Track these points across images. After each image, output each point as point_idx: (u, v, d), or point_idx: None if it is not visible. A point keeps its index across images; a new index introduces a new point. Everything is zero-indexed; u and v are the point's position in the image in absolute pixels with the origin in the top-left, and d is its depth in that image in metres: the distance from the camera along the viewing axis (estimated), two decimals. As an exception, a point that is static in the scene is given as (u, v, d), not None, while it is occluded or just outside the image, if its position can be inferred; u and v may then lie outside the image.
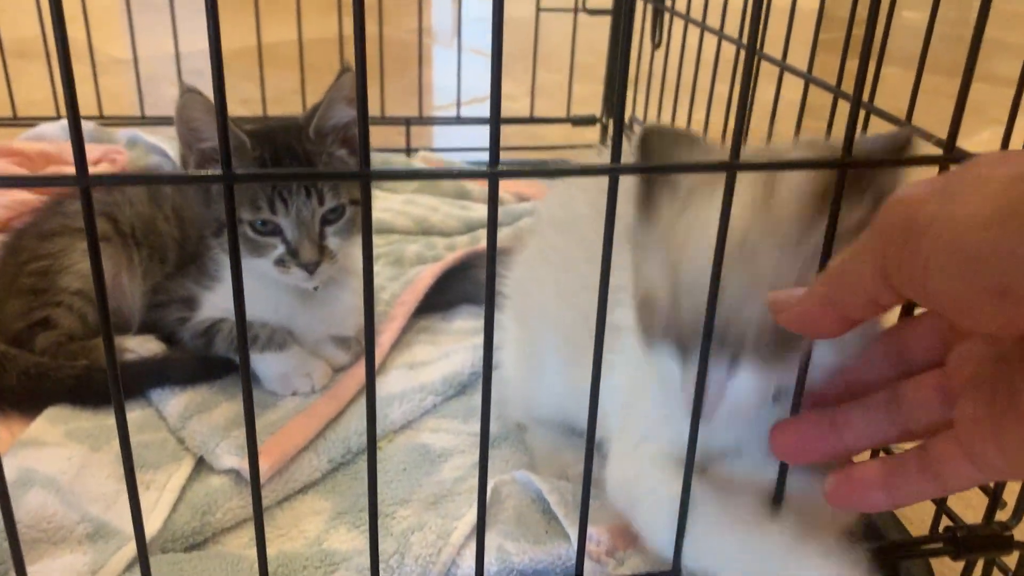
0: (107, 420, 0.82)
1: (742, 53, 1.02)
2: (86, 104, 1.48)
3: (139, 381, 0.86)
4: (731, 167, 0.48)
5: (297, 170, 0.41)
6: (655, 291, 0.51)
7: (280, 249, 0.83)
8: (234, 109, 1.82)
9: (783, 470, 0.54)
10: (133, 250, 0.92)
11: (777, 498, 0.55)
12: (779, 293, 0.42)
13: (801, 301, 0.41)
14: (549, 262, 0.75)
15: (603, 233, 0.47)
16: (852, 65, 0.68)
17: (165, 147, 1.37)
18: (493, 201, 0.47)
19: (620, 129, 0.47)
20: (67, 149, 1.24)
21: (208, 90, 0.45)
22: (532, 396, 0.81)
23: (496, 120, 0.45)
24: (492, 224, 0.47)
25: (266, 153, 0.82)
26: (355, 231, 0.86)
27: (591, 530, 0.65)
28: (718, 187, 0.47)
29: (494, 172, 0.47)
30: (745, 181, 0.47)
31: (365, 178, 0.46)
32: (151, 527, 0.70)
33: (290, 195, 0.81)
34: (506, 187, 1.41)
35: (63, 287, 0.88)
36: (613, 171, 0.48)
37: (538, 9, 1.51)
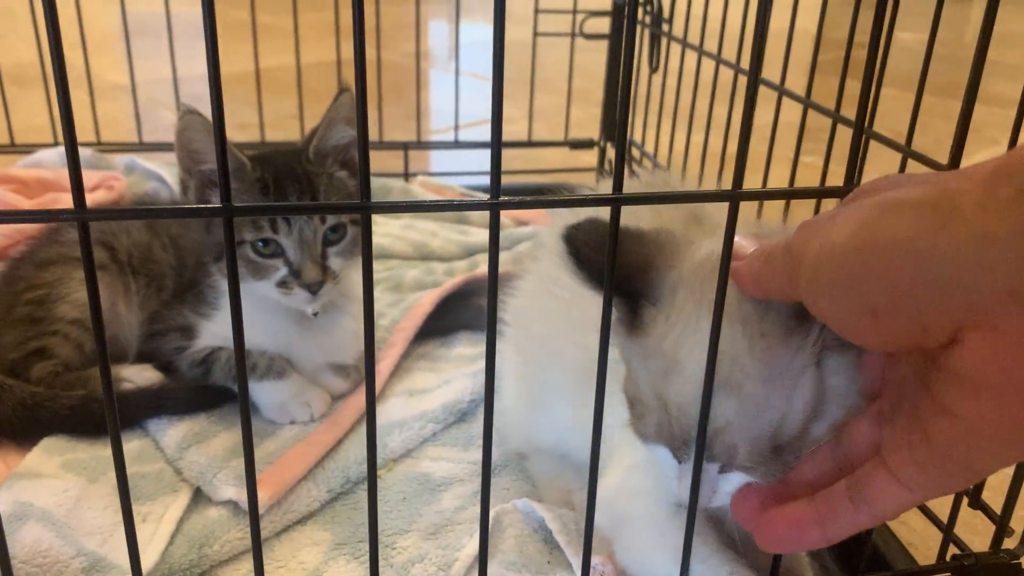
0: (104, 451, 0.81)
1: (739, 76, 1.02)
2: (83, 130, 1.47)
3: (136, 411, 0.85)
4: (733, 196, 0.48)
5: (297, 204, 0.41)
6: (646, 398, 0.51)
7: (283, 271, 0.83)
8: (232, 134, 1.82)
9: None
10: (130, 279, 0.91)
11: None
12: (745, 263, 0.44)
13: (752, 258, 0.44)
14: (553, 295, 0.74)
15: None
16: (851, 86, 0.68)
17: (163, 173, 1.37)
18: (494, 232, 0.47)
19: (623, 158, 0.46)
20: (65, 176, 1.23)
21: (207, 114, 0.45)
22: (533, 427, 0.80)
23: (497, 151, 0.45)
24: (494, 256, 0.47)
25: (267, 174, 0.82)
26: (356, 252, 0.86)
27: (595, 559, 0.64)
28: (704, 309, 0.48)
29: (495, 203, 0.46)
30: (733, 303, 0.47)
31: (366, 210, 0.46)
32: (148, 560, 0.69)
33: (293, 216, 0.81)
34: (506, 213, 1.41)
35: (60, 316, 0.87)
36: (615, 201, 0.48)
37: (535, 33, 1.52)
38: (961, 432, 0.35)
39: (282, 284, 0.83)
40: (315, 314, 0.89)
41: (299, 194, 0.82)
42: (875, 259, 0.34)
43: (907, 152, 0.70)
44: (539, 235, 1.09)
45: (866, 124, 0.49)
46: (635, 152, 1.46)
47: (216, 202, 0.82)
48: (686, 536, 0.54)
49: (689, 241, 0.53)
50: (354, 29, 0.41)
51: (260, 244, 0.82)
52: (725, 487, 0.50)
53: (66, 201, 0.43)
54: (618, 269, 0.47)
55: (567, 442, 0.77)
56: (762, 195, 0.49)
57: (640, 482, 0.64)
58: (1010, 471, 0.64)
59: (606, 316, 0.48)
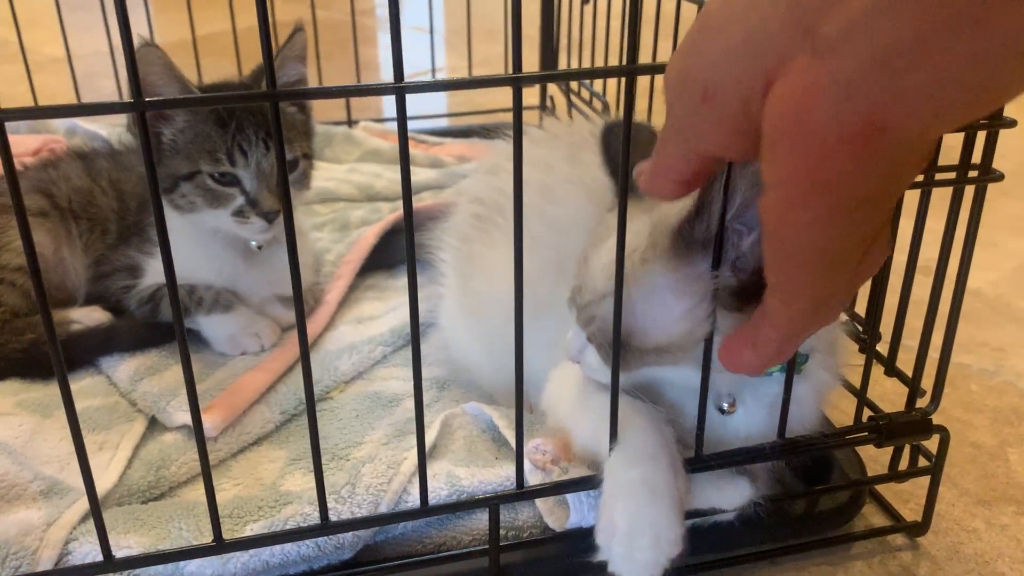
0: (56, 390, 0.82)
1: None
2: (22, 100, 1.47)
3: (87, 351, 0.87)
4: (630, 72, 0.51)
5: (211, 95, 0.43)
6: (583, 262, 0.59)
7: (239, 200, 0.85)
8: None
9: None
10: (71, 224, 0.92)
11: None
12: (641, 164, 0.44)
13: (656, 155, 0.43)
14: (486, 215, 0.78)
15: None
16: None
17: (104, 134, 1.37)
18: (402, 119, 0.49)
19: (519, 40, 0.49)
20: (19, 142, 1.24)
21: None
22: (471, 340, 0.83)
23: (396, 35, 0.47)
24: (404, 146, 0.49)
25: (221, 110, 0.84)
26: (306, 184, 0.91)
27: (537, 440, 0.68)
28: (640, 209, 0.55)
29: (400, 87, 0.48)
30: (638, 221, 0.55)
31: (274, 98, 0.48)
32: (106, 483, 0.71)
33: (250, 147, 0.84)
34: (448, 150, 1.43)
35: (3, 264, 0.88)
36: (516, 81, 0.50)
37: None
38: (773, 204, 0.34)
39: (238, 213, 0.85)
40: (259, 247, 0.91)
41: (255, 126, 0.85)
42: (699, 42, 0.35)
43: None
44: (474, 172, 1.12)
45: None
46: (584, 92, 1.48)
47: (169, 139, 0.84)
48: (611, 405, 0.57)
49: None
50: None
51: (217, 175, 0.84)
52: (589, 359, 0.59)
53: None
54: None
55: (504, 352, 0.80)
56: (655, 69, 0.52)
57: (575, 371, 0.67)
58: (918, 333, 0.68)
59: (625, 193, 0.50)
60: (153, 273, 0.90)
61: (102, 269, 0.92)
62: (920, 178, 0.63)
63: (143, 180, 0.95)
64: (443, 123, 1.62)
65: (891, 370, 0.72)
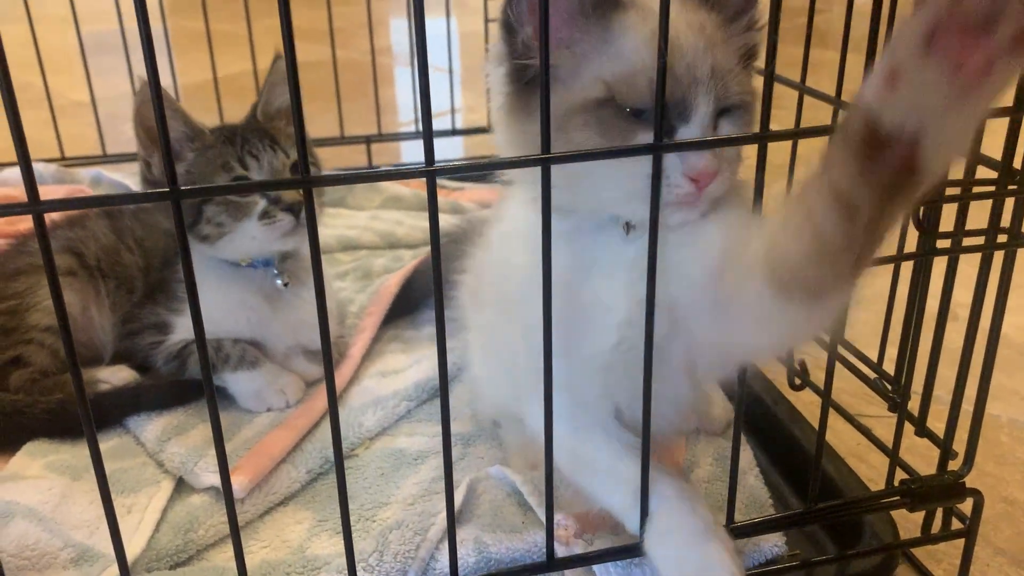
0: (85, 451, 0.81)
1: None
2: (47, 147, 1.49)
3: (114, 410, 0.87)
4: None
5: (240, 184, 0.43)
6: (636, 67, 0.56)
7: (262, 203, 0.87)
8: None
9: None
10: (100, 282, 0.93)
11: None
12: None
13: None
14: (506, 263, 0.78)
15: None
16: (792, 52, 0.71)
17: (129, 183, 1.38)
18: (432, 198, 0.49)
19: (546, 115, 0.49)
20: (45, 193, 1.25)
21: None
22: (498, 394, 0.82)
23: (428, 118, 0.47)
24: (434, 224, 0.50)
25: (224, 134, 0.88)
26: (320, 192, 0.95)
27: (559, 516, 0.67)
28: None
29: (431, 170, 0.49)
30: None
31: (308, 184, 0.49)
32: (134, 548, 0.71)
33: (259, 152, 0.87)
34: (469, 196, 1.43)
35: (32, 324, 0.89)
36: (545, 161, 0.50)
37: (486, 20, 1.54)
38: None
39: (264, 215, 0.87)
40: (285, 284, 0.92)
41: (261, 140, 0.88)
42: None
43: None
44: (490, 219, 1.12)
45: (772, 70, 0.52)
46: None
47: (184, 172, 0.86)
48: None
49: None
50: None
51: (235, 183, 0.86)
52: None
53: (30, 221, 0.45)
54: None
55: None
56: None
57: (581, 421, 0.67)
58: (946, 382, 0.67)
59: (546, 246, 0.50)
60: (180, 329, 0.91)
61: (130, 327, 0.93)
62: (947, 244, 0.63)
63: (167, 236, 0.96)
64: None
65: (922, 430, 0.71)
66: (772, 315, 0.52)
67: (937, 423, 0.70)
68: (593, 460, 0.65)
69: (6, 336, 0.89)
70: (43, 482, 0.78)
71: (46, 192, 1.31)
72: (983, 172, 0.62)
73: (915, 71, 0.39)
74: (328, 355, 0.51)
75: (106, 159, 1.49)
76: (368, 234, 1.30)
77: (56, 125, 1.45)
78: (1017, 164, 0.61)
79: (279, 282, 0.91)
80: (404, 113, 2.14)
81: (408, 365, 0.99)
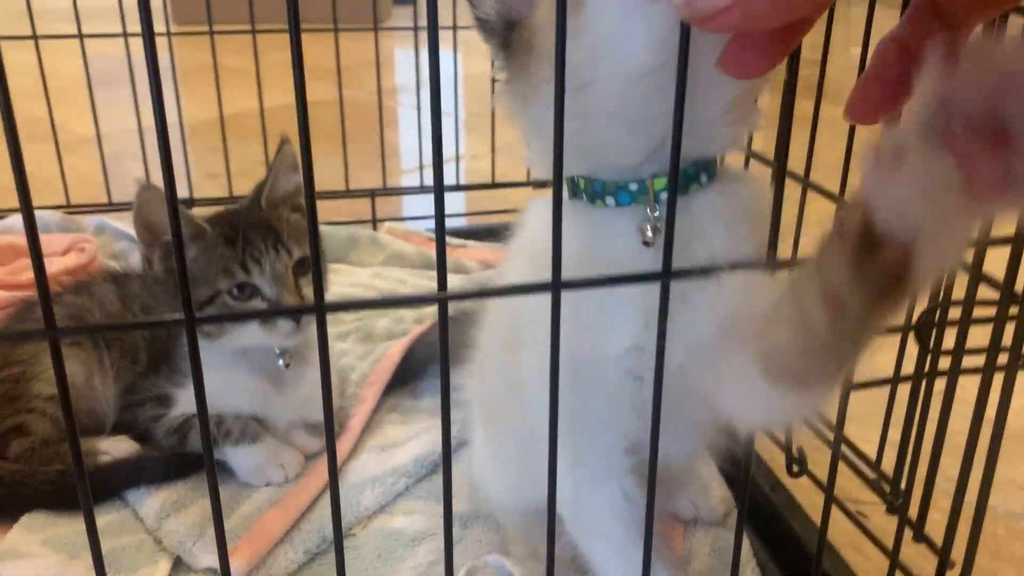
0: (83, 527, 0.83)
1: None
2: (53, 190, 1.48)
3: (114, 483, 0.87)
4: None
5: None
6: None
7: (263, 308, 0.87)
8: (201, 183, 1.81)
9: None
10: (104, 352, 0.93)
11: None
12: None
13: None
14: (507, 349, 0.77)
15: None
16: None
17: (133, 232, 1.39)
18: (443, 324, 0.50)
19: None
20: (49, 241, 1.25)
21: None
22: (500, 483, 0.82)
23: (442, 247, 0.48)
24: (444, 349, 0.50)
25: (227, 229, 0.88)
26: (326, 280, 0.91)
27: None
28: None
29: (443, 297, 0.49)
30: None
31: (321, 311, 0.49)
32: (131, 635, 0.71)
33: (261, 254, 0.87)
34: (472, 254, 1.44)
35: (35, 393, 0.89)
36: (555, 287, 0.51)
37: (494, 65, 1.55)
38: None
39: (265, 321, 0.87)
40: (287, 365, 0.92)
41: (263, 236, 0.88)
42: None
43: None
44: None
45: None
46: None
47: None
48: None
49: None
50: (295, 83, 0.44)
51: (235, 291, 0.86)
52: None
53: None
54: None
55: (532, 496, 0.79)
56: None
57: (589, 499, 0.67)
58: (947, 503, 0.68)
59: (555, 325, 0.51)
60: (182, 403, 0.91)
61: (132, 398, 0.93)
62: (947, 363, 0.63)
63: (173, 307, 0.97)
64: (462, 221, 1.64)
65: (920, 536, 0.72)
66: (761, 395, 0.52)
67: (936, 513, 0.70)
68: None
69: (9, 404, 0.89)
70: (40, 561, 0.78)
71: (52, 240, 1.32)
72: (984, 290, 0.63)
73: (921, 164, 0.35)
74: (332, 453, 0.51)
75: (111, 207, 1.49)
76: (370, 293, 1.31)
77: (62, 166, 1.44)
78: (1019, 288, 0.62)
79: (281, 363, 0.91)
80: (407, 158, 2.14)
81: (407, 438, 0.99)
